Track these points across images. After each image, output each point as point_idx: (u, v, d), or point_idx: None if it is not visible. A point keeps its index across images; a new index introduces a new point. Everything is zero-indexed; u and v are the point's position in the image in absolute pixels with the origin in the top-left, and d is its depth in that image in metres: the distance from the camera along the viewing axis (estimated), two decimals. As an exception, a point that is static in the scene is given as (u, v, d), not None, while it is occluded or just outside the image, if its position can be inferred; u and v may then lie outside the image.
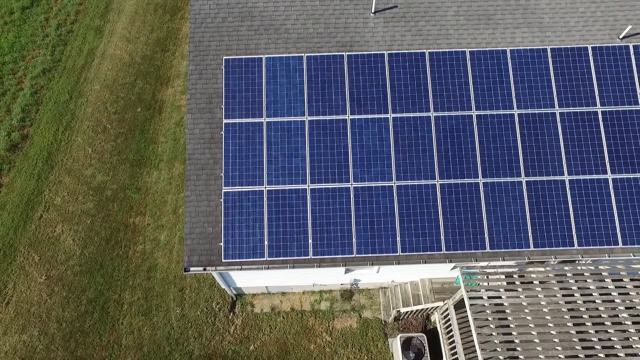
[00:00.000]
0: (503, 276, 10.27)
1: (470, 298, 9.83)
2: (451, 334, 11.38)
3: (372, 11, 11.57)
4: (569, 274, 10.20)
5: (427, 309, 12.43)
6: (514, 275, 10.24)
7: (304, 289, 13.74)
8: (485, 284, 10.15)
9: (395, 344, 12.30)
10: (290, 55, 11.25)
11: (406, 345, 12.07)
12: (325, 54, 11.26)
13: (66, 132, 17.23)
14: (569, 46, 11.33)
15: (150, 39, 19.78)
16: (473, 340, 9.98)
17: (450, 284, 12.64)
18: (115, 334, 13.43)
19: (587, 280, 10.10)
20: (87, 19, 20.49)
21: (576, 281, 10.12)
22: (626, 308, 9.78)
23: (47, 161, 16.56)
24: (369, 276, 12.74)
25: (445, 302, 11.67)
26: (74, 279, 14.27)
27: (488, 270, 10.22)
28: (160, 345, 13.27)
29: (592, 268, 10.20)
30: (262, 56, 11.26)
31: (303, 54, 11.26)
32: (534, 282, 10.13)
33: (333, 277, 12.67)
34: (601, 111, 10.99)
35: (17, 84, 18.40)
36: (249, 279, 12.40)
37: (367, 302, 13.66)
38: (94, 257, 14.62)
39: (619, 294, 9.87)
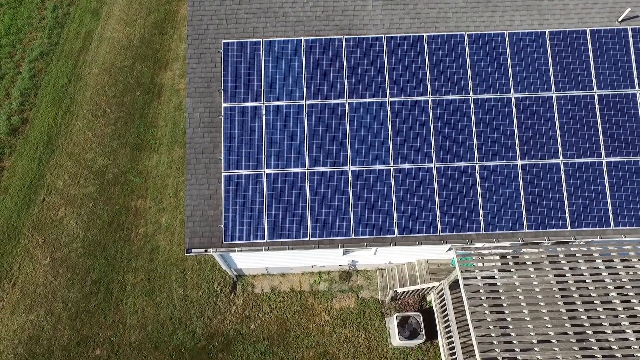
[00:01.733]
0: (497, 257, 10.54)
1: (464, 278, 10.11)
2: (446, 313, 11.72)
3: (371, -6, 11.53)
4: (561, 255, 10.47)
5: (423, 289, 12.75)
6: (508, 257, 10.50)
7: (303, 270, 14.04)
8: (480, 264, 10.43)
9: (392, 323, 12.66)
10: (289, 38, 11.26)
11: (402, 323, 12.43)
12: (323, 37, 11.27)
13: (66, 116, 17.29)
14: (567, 29, 11.34)
15: (148, 21, 19.64)
16: (467, 319, 10.29)
17: (446, 264, 12.93)
18: (120, 314, 13.80)
19: (579, 261, 10.37)
20: (83, 1, 20.30)
21: (568, 262, 10.39)
22: (615, 287, 10.07)
23: (47, 145, 16.68)
24: (367, 258, 13.02)
25: (440, 282, 11.98)
26: (78, 260, 14.56)
27: (483, 252, 10.48)
28: (163, 325, 13.64)
29: (585, 249, 10.46)
30: (261, 40, 11.27)
31: (301, 38, 11.27)
32: (527, 262, 10.40)
33: (331, 259, 12.96)
34: (597, 95, 11.07)
35: (15, 68, 18.37)
36: (249, 261, 12.68)
37: (365, 282, 13.98)
38: (96, 240, 14.89)
39: (609, 274, 10.15)
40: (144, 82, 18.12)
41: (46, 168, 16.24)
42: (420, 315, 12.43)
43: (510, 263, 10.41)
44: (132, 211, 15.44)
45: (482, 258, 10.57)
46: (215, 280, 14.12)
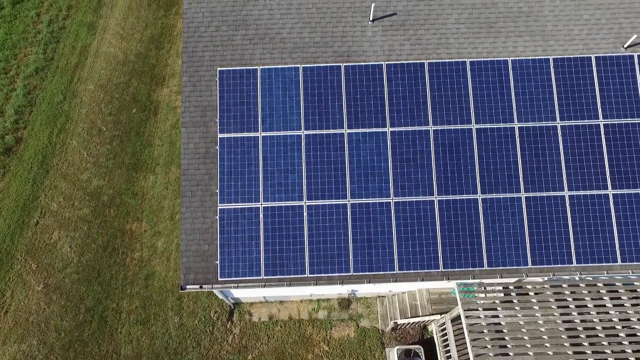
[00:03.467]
0: (500, 288, 10.24)
1: (467, 317, 9.81)
2: (448, 348, 11.42)
3: (370, 19, 11.22)
4: (564, 285, 10.17)
5: (425, 320, 12.45)
6: (512, 294, 10.19)
7: (301, 297, 13.75)
8: (482, 295, 10.13)
9: (392, 355, 12.36)
10: (286, 66, 10.97)
11: (403, 357, 12.12)
12: (322, 65, 10.97)
13: (61, 135, 17.00)
14: (571, 56, 11.04)
15: (145, 35, 19.35)
16: (469, 356, 9.99)
17: (448, 294, 12.63)
18: (114, 344, 13.50)
19: (585, 299, 10.06)
20: (79, 14, 20.00)
21: (574, 299, 10.09)
22: (623, 327, 9.76)
23: (42, 165, 16.38)
24: (367, 287, 12.72)
25: (442, 316, 11.68)
26: (72, 287, 14.26)
27: (485, 282, 10.19)
28: (158, 355, 13.35)
29: (590, 279, 10.16)
30: (257, 67, 10.97)
31: (299, 65, 10.97)
32: (531, 298, 10.09)
33: (331, 289, 12.66)
34: (603, 124, 10.77)
35: (9, 84, 18.08)
36: (246, 292, 12.38)
37: (365, 311, 13.68)
38: (91, 265, 14.59)
39: (617, 312, 9.84)
40: (140, 99, 17.83)
41: (40, 189, 15.95)
42: (422, 349, 12.12)
43: (513, 293, 10.09)
44: (128, 234, 15.14)
45: (485, 288, 10.28)
46: (212, 308, 13.83)
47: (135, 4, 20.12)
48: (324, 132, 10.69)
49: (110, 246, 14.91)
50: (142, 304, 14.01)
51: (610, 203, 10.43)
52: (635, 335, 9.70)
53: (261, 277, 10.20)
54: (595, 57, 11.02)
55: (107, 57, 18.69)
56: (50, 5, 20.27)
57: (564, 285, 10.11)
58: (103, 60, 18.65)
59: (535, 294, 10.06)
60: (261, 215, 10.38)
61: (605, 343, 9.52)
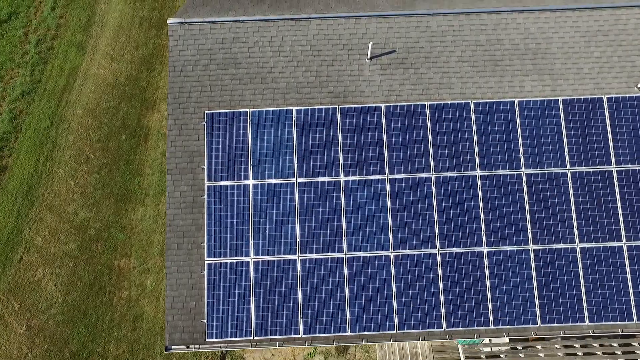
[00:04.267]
0: (508, 347, 9.63)
1: (472, 383, 9.19)
2: (451, 404, 10.81)
3: (368, 57, 10.57)
4: (576, 345, 9.55)
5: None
6: (521, 355, 9.57)
7: (296, 342, 13.12)
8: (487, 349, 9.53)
9: (392, 407, 11.75)
10: (278, 108, 10.32)
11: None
12: (316, 107, 10.32)
13: (47, 163, 16.35)
14: (582, 97, 10.39)
15: (135, 56, 18.68)
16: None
17: (451, 342, 12.00)
18: (99, 393, 12.89)
19: (597, 353, 9.44)
20: (68, 33, 19.32)
21: (584, 354, 9.46)
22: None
23: (27, 196, 15.74)
24: (365, 336, 12.09)
25: (445, 370, 11.07)
26: (56, 329, 13.62)
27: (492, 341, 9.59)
28: (146, 405, 12.74)
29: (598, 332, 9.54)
30: (248, 110, 10.32)
31: (292, 107, 10.32)
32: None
33: (327, 337, 12.03)
34: (616, 170, 10.12)
35: (-6, 109, 17.43)
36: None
37: (363, 356, 13.06)
38: (76, 305, 13.95)
39: (632, 377, 9.24)
40: (130, 125, 17.18)
41: (25, 222, 15.31)
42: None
43: (522, 355, 9.48)
44: (115, 272, 14.50)
45: (491, 349, 9.65)
46: (203, 353, 13.20)
47: (126, 23, 19.46)
48: (319, 179, 10.04)
49: (97, 284, 14.27)
50: (130, 348, 13.37)
51: (625, 256, 9.79)
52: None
53: (252, 338, 9.56)
54: (607, 97, 10.38)
55: (97, 80, 18.04)
56: (39, 24, 19.59)
57: (576, 346, 9.48)
58: (92, 82, 17.99)
59: (545, 355, 9.44)
60: (251, 271, 9.73)
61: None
